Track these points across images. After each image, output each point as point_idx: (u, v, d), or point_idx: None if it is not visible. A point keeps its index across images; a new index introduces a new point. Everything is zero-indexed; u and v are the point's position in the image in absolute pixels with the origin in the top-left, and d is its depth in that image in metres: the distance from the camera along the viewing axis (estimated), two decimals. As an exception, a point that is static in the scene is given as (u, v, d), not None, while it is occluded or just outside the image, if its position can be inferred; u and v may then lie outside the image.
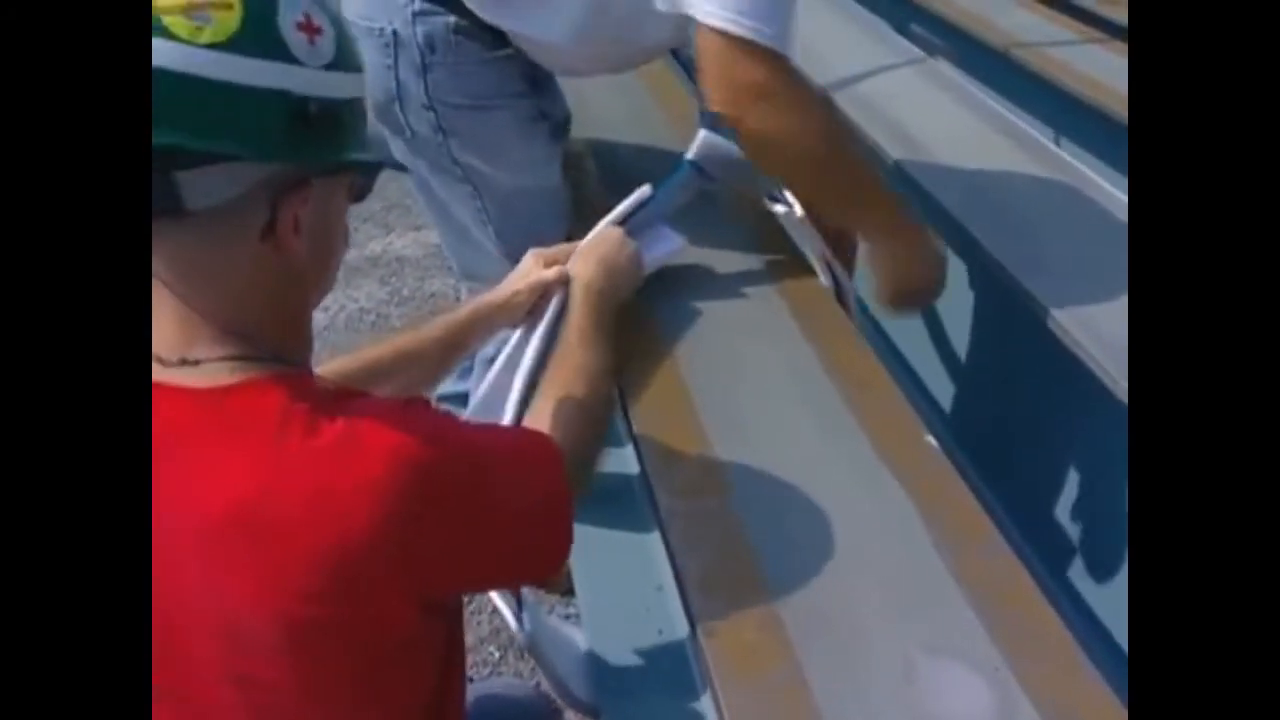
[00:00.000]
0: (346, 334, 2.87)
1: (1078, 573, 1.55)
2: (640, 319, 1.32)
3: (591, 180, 1.67)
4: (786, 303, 1.37)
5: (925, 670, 0.88)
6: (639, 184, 1.33)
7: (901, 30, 2.79)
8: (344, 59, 0.75)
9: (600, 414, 1.03)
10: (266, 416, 0.74)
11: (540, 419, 0.96)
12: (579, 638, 1.10)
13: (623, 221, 1.29)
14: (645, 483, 1.14)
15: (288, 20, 0.71)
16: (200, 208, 0.71)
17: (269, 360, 0.76)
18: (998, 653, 0.90)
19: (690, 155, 1.38)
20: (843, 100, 2.21)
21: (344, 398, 0.79)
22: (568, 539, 0.86)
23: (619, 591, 1.09)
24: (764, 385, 1.22)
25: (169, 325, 0.75)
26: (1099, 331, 1.42)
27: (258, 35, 0.70)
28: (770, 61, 1.19)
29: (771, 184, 1.44)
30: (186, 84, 0.68)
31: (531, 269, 1.20)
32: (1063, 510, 1.59)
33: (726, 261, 1.44)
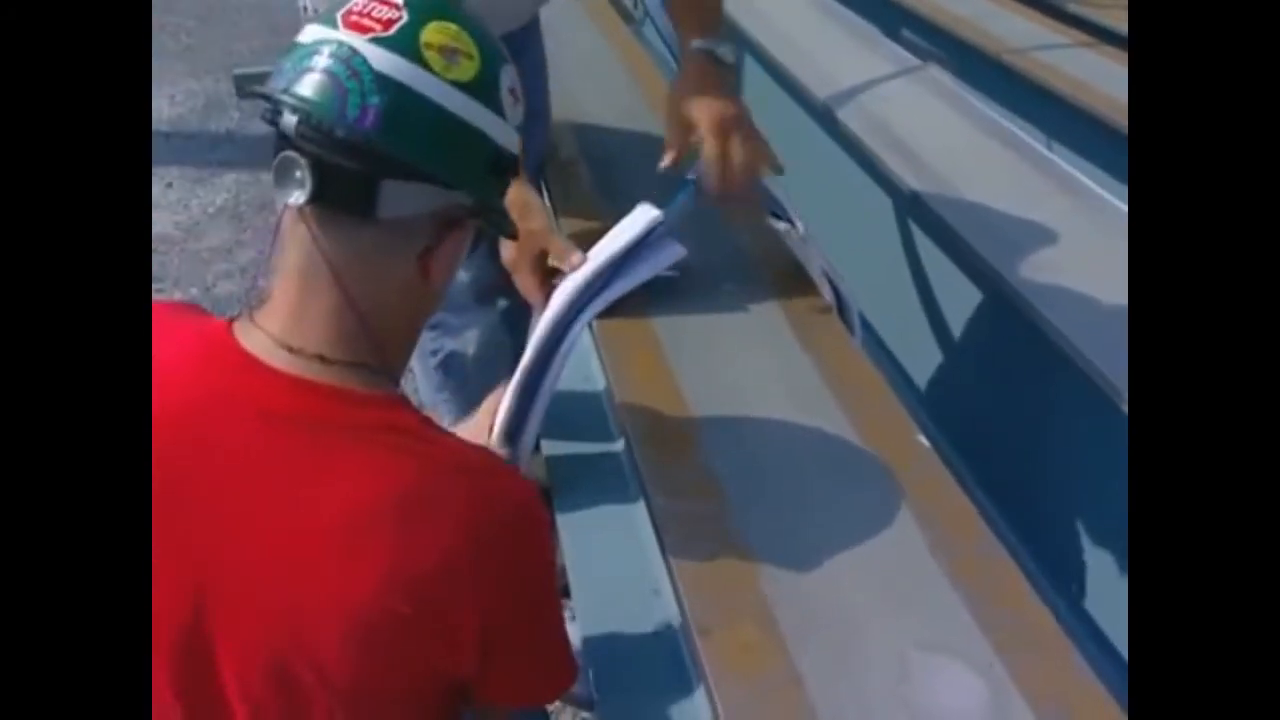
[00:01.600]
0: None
1: (1070, 571, 1.55)
2: (636, 326, 1.33)
3: (583, 185, 1.68)
4: (783, 312, 1.37)
5: (920, 667, 0.89)
6: (630, 189, 1.32)
7: (893, 36, 2.80)
8: (519, 129, 0.87)
9: None
10: (408, 427, 0.82)
11: None
12: (574, 636, 1.10)
13: (633, 247, 1.26)
14: (640, 485, 1.14)
15: (504, 82, 0.84)
16: (387, 216, 0.80)
17: (386, 375, 0.84)
18: (992, 650, 0.90)
19: (692, 174, 1.38)
20: (835, 105, 2.22)
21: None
22: (573, 671, 0.93)
23: (614, 591, 1.09)
24: (758, 389, 1.23)
25: (319, 313, 0.81)
26: (1092, 333, 1.43)
27: (486, 85, 0.82)
28: None
29: (773, 202, 1.44)
30: (428, 107, 0.78)
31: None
32: (1055, 510, 1.60)
33: (725, 273, 1.44)
